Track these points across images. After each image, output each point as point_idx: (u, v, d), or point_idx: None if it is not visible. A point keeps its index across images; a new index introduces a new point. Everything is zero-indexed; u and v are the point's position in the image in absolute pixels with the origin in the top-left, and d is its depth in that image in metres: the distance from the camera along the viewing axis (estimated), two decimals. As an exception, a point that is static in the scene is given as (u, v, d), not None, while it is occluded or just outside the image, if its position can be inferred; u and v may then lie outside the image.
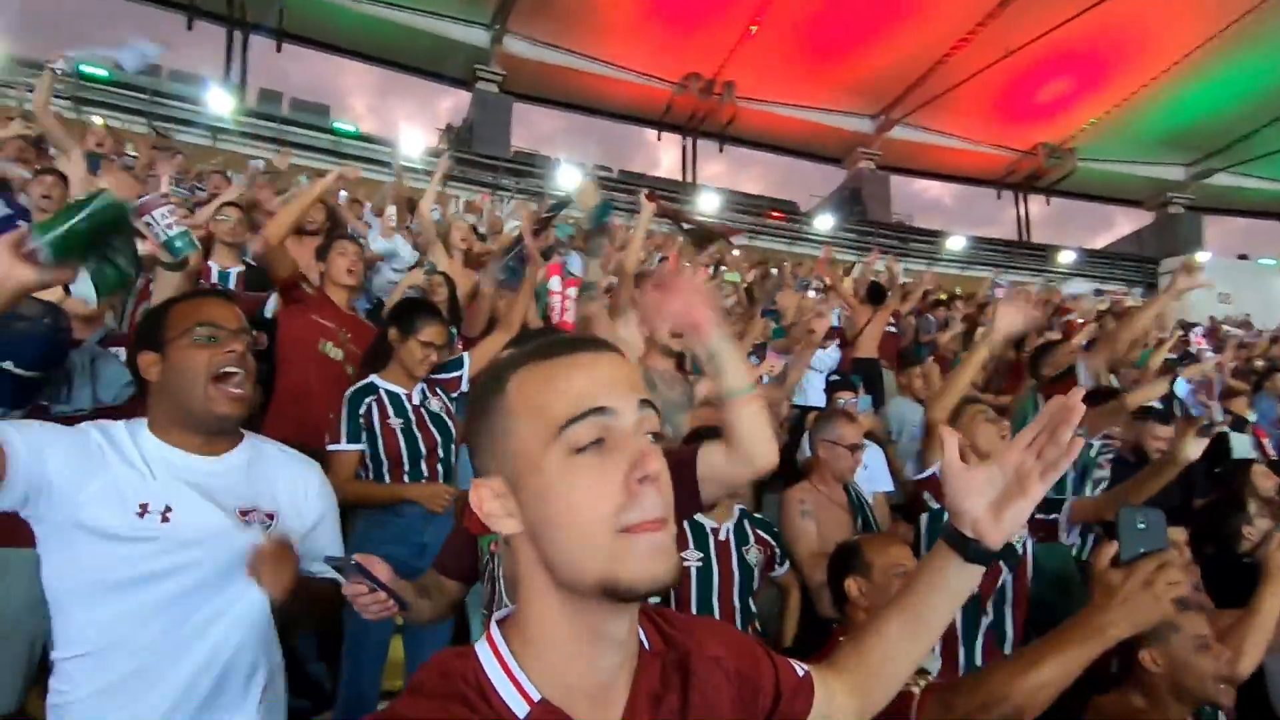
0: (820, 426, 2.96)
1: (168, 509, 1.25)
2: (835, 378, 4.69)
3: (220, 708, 1.28)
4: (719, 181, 21.36)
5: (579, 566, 0.63)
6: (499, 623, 0.72)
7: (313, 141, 14.76)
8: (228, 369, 1.32)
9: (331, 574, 1.42)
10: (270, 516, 1.38)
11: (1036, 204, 23.74)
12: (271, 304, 3.22)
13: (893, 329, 6.60)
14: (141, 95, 13.59)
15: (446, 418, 2.67)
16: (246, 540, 1.32)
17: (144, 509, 1.24)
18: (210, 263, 3.83)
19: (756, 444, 1.25)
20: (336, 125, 15.85)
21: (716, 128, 20.80)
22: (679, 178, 20.99)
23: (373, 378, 2.60)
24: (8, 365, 1.61)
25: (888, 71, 18.56)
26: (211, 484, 1.33)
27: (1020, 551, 2.46)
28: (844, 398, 3.94)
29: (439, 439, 2.59)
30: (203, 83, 14.75)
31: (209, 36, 17.16)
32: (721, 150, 21.72)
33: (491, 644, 0.70)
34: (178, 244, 1.69)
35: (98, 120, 11.48)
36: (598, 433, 0.64)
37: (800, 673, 0.89)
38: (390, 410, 2.54)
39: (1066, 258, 20.32)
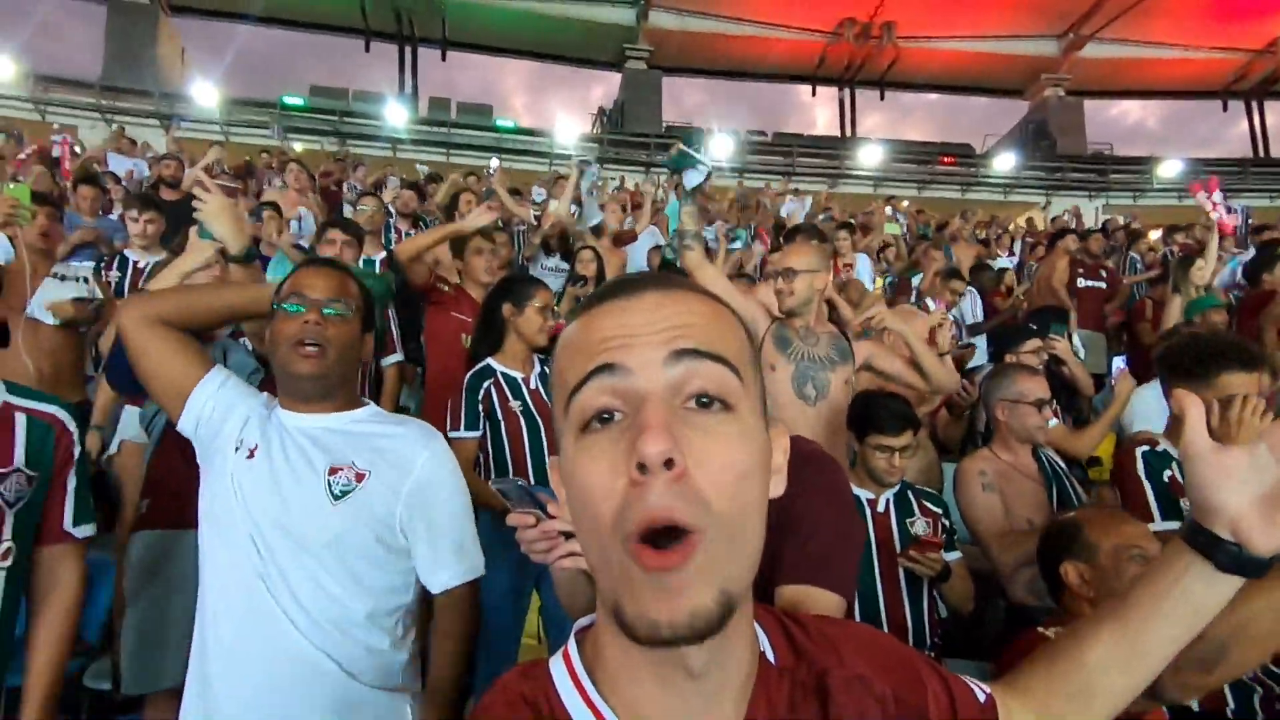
0: (996, 384, 2.56)
1: (255, 449, 1.33)
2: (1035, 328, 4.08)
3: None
4: (880, 132, 20.11)
5: (600, 582, 0.50)
6: (578, 634, 0.60)
7: (477, 141, 15.65)
8: (304, 339, 1.34)
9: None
10: (360, 477, 1.33)
11: (1276, 112, 20.05)
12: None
13: (1098, 284, 5.81)
14: (332, 117, 15.09)
15: None
16: (318, 505, 1.30)
17: (240, 443, 1.34)
18: None
19: None
20: (498, 123, 16.72)
21: (876, 75, 19.52)
22: (836, 133, 19.98)
23: (489, 360, 2.55)
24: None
25: (1075, -19, 16.44)
26: (316, 438, 1.37)
27: None
28: (1028, 348, 3.39)
29: None
30: (382, 99, 16.12)
31: (384, 55, 18.75)
32: (883, 98, 20.38)
33: (567, 661, 0.58)
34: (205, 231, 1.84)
35: (298, 146, 12.94)
36: (608, 401, 0.48)
37: (981, 697, 0.69)
38: (509, 393, 2.49)
39: (1321, 171, 17.00)
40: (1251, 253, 5.24)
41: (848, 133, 19.88)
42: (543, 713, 0.56)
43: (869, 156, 16.86)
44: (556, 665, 0.59)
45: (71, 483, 1.44)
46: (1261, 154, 19.64)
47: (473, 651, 1.51)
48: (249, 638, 1.25)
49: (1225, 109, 20.49)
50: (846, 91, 20.17)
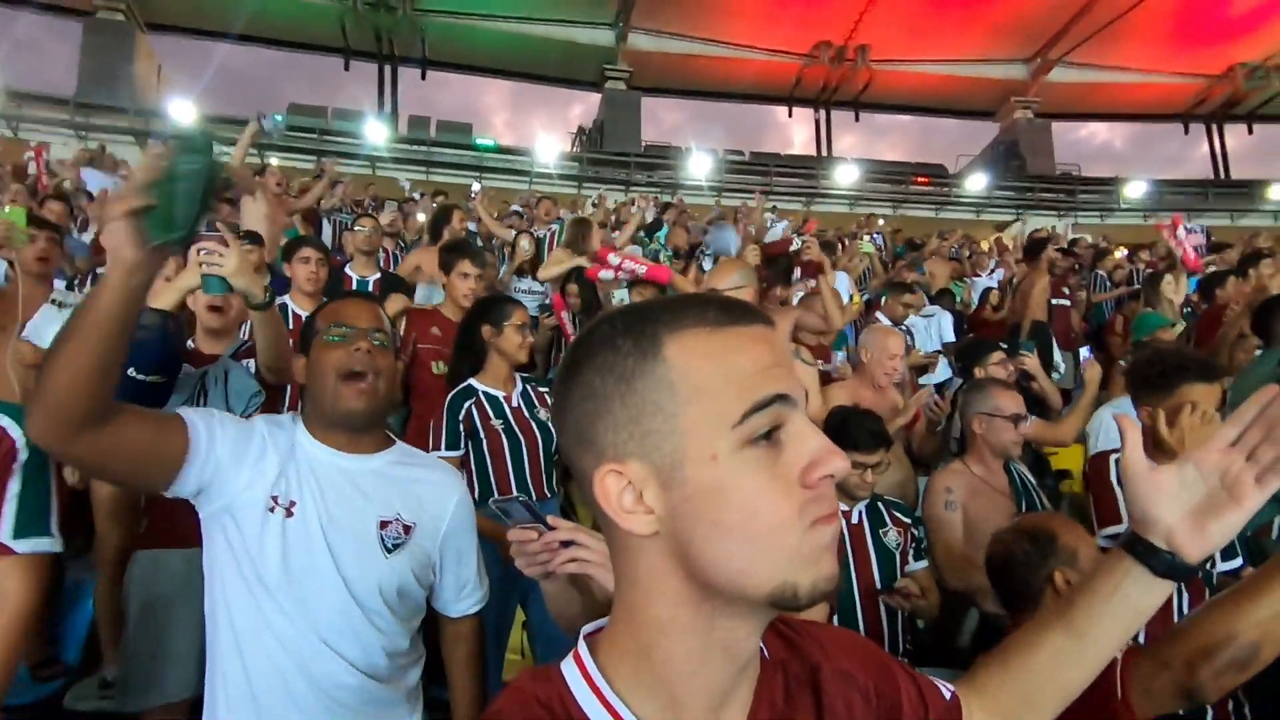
0: (972, 398, 2.62)
1: (292, 504, 1.27)
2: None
3: None
4: (856, 152, 20.45)
5: (751, 574, 0.54)
6: (587, 637, 0.64)
7: (458, 159, 15.71)
8: (355, 368, 1.34)
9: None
10: (408, 529, 1.37)
11: (1235, 135, 20.72)
12: None
13: (1064, 302, 5.94)
14: (311, 135, 15.07)
15: (553, 428, 2.61)
16: (372, 556, 1.32)
17: (274, 501, 1.27)
18: (349, 271, 4.22)
19: None
20: (478, 142, 16.79)
21: (851, 96, 19.88)
22: (813, 153, 20.29)
23: (471, 381, 2.59)
24: (130, 371, 1.77)
25: (1042, 7, 16.90)
26: (357, 483, 1.35)
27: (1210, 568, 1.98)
28: (994, 360, 3.48)
29: (541, 441, 2.57)
30: (361, 117, 16.13)
31: (364, 74, 18.76)
32: (858, 119, 20.75)
33: (579, 663, 0.61)
34: (211, 281, 1.83)
35: (274, 162, 12.89)
36: (773, 423, 0.55)
37: (947, 695, 0.76)
38: (490, 412, 2.53)
39: (1278, 193, 17.51)
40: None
41: (824, 152, 20.19)
42: (557, 714, 0.58)
43: (845, 176, 17.14)
44: (569, 668, 0.61)
45: (12, 489, 1.35)
46: (1222, 175, 20.22)
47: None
48: (300, 681, 1.26)
49: (1187, 131, 21.11)
50: (822, 112, 20.51)
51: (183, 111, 13.75)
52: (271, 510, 1.27)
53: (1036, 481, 2.82)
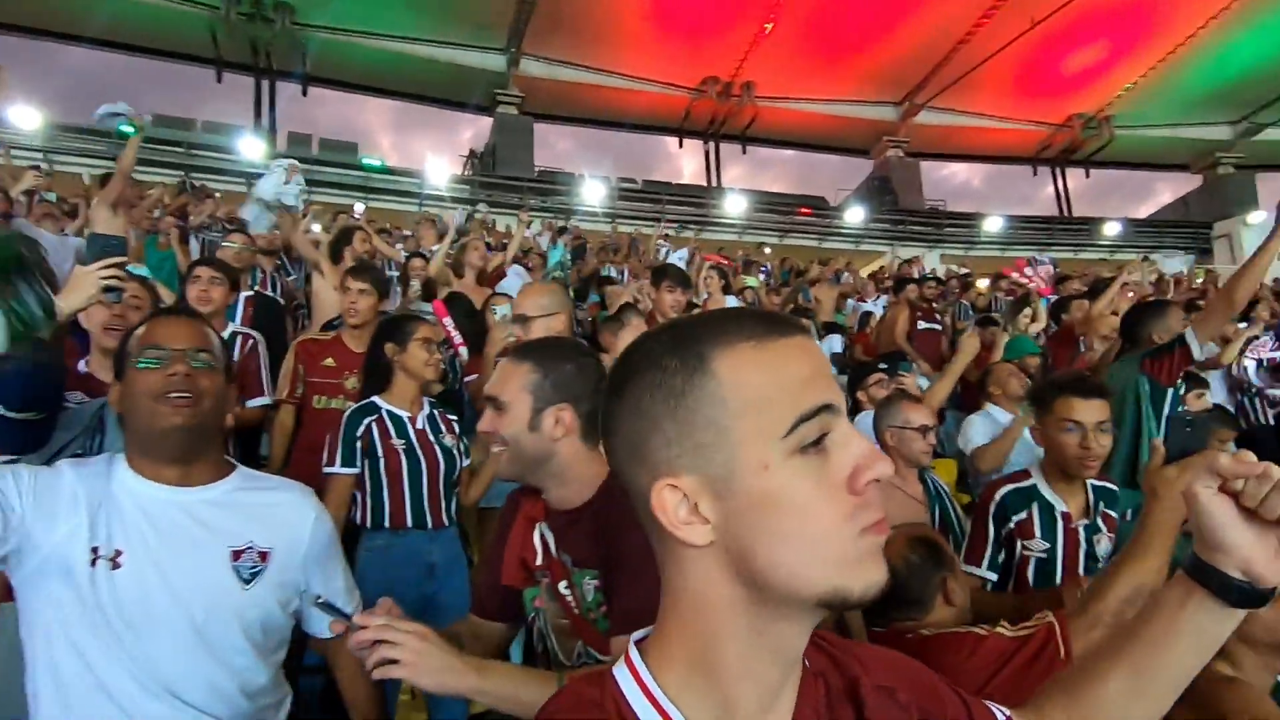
0: (884, 413, 2.81)
1: (118, 554, 1.15)
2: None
3: None
4: (743, 183, 21.25)
5: (805, 578, 0.56)
6: (637, 644, 0.65)
7: (342, 179, 15.08)
8: (170, 393, 1.23)
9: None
10: (264, 556, 1.27)
11: (1075, 178, 23.02)
12: None
13: (935, 326, 6.34)
14: (177, 148, 14.07)
15: (458, 455, 2.55)
16: (228, 590, 1.22)
17: (95, 554, 1.14)
18: None
19: None
20: (364, 161, 16.19)
21: (738, 130, 20.68)
22: (703, 183, 20.91)
23: (375, 398, 2.50)
24: None
25: (909, 55, 18.25)
26: (198, 516, 1.24)
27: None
28: (872, 380, 3.80)
29: (443, 467, 2.48)
30: (235, 132, 15.22)
31: (238, 87, 17.75)
32: (745, 152, 21.60)
33: (632, 668, 0.62)
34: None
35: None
36: (820, 431, 0.56)
37: (1001, 718, 0.75)
38: (392, 431, 2.43)
39: (1111, 230, 19.63)
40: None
41: (713, 183, 20.84)
42: (610, 717, 0.60)
43: (734, 206, 17.74)
44: (621, 672, 0.63)
45: None
46: (1066, 214, 22.39)
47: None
48: None
49: (1035, 173, 23.26)
50: (711, 144, 21.21)
51: (26, 117, 12.53)
52: (94, 564, 1.13)
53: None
